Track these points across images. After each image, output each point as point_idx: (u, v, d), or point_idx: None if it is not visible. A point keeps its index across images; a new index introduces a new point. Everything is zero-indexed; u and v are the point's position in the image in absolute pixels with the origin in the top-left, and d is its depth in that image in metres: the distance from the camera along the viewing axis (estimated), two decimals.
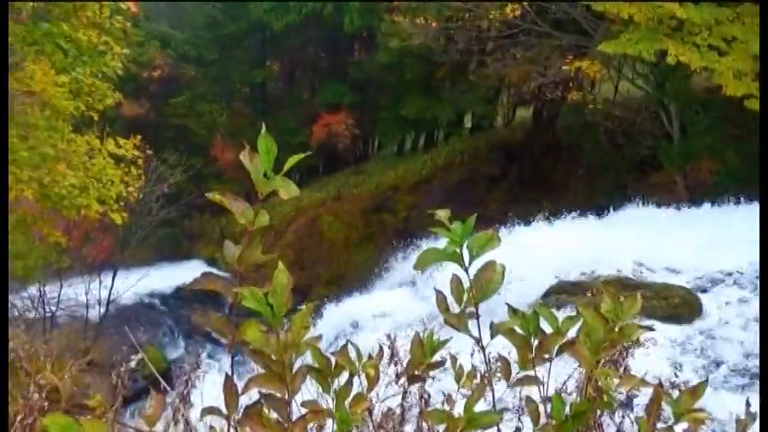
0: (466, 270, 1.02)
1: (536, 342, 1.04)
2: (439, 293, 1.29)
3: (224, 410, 0.98)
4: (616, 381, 1.01)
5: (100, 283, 14.19)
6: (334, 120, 23.14)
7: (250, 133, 26.70)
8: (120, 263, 15.29)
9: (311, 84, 28.84)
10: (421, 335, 1.23)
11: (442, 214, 1.01)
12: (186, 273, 21.27)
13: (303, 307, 1.01)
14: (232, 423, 0.96)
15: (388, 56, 20.81)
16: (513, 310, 1.05)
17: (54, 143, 7.33)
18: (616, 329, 1.03)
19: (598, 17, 13.51)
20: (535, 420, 1.20)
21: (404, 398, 2.09)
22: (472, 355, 2.60)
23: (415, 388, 2.49)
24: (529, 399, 1.26)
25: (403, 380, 2.16)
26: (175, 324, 17.23)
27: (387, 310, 11.06)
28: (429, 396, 2.13)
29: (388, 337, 2.10)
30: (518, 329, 1.04)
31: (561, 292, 7.86)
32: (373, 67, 23.52)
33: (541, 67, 15.10)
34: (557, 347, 1.02)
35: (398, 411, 2.08)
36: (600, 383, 1.42)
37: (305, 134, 22.65)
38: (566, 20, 14.70)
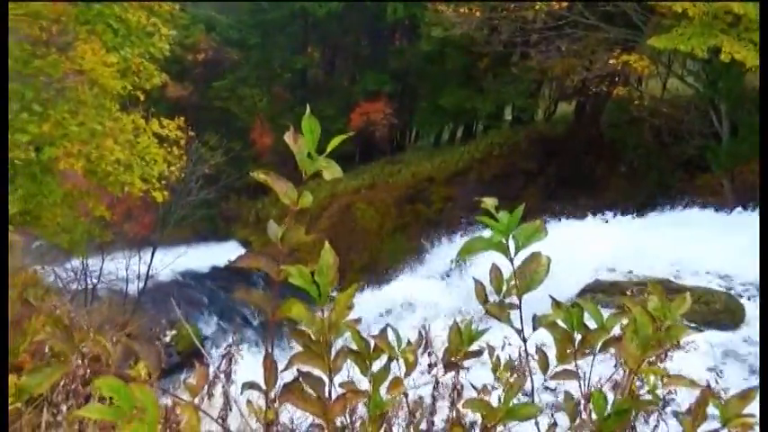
0: (511, 260, 1.00)
1: (579, 337, 1.02)
2: (478, 283, 1.28)
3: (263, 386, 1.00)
4: (661, 380, 0.98)
5: (140, 258, 14.62)
6: (373, 108, 23.12)
7: (289, 118, 26.80)
8: (160, 240, 15.71)
9: (351, 71, 28.86)
10: (459, 324, 1.22)
11: (489, 203, 1.00)
12: (221, 253, 21.73)
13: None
14: (271, 398, 0.97)
15: (430, 45, 20.63)
16: (557, 303, 1.03)
17: (102, 120, 7.53)
18: (663, 329, 1.00)
19: (649, 11, 13.08)
20: (572, 417, 1.18)
21: (435, 387, 2.09)
22: (503, 348, 2.58)
23: (446, 378, 2.49)
24: (567, 394, 1.24)
25: (435, 369, 2.16)
26: (209, 302, 17.63)
27: (418, 299, 11.07)
28: (462, 387, 2.13)
29: (423, 326, 2.10)
30: (560, 323, 1.03)
31: (597, 291, 7.71)
32: (414, 57, 23.36)
33: (587, 61, 14.74)
34: (600, 343, 1.00)
35: (429, 401, 2.09)
36: (642, 383, 1.39)
37: (343, 121, 22.71)
38: (615, 13, 14.28)
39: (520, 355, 2.44)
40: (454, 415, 2.23)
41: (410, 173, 22.15)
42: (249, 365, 2.39)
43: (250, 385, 0.95)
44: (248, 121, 26.60)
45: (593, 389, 1.03)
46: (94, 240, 13.09)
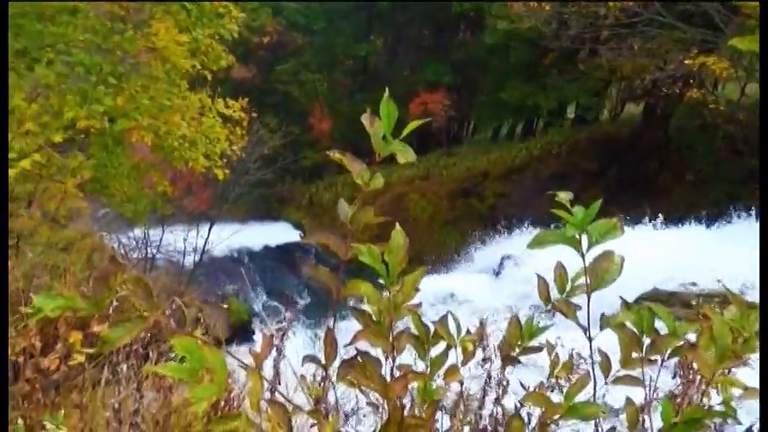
0: (583, 256, 0.98)
1: (648, 341, 0.98)
2: (541, 279, 1.25)
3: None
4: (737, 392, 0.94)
5: (197, 232, 15.13)
6: (432, 99, 22.97)
7: (348, 105, 27.25)
8: (217, 216, 16.22)
9: (412, 61, 28.74)
10: (519, 319, 1.20)
11: (564, 197, 0.97)
12: (274, 233, 22.24)
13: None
14: (329, 373, 0.99)
15: (495, 38, 20.26)
16: (627, 304, 1.00)
17: (171, 97, 7.78)
18: (740, 341, 0.95)
19: (732, 11, 12.37)
20: (632, 423, 1.15)
21: (487, 382, 2.07)
22: (555, 347, 2.52)
23: (495, 373, 2.46)
24: (629, 400, 1.21)
25: (488, 364, 2.14)
26: (259, 280, 18.08)
27: (466, 293, 11.00)
28: (508, 383, 2.10)
29: (480, 318, 2.08)
30: (629, 325, 0.99)
31: (655, 300, 7.42)
32: (477, 49, 23.02)
33: (660, 61, 14.10)
34: (670, 350, 0.96)
35: (480, 394, 2.07)
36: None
37: (401, 111, 22.62)
38: (694, 12, 13.58)
39: (572, 356, 2.38)
40: (499, 410, 2.21)
41: (465, 166, 21.93)
42: (292, 344, 2.45)
43: (311, 359, 0.97)
44: (308, 105, 26.98)
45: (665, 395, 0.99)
46: (156, 212, 13.64)
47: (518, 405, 2.08)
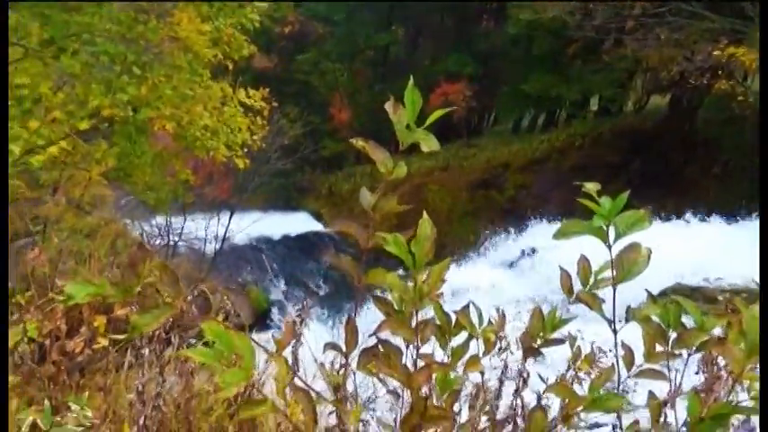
0: (609, 248, 0.96)
1: (674, 335, 0.97)
2: (563, 272, 1.24)
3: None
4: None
5: (218, 221, 15.30)
6: (453, 89, 22.80)
7: (368, 95, 27.19)
8: (237, 205, 16.36)
9: (433, 51, 28.54)
10: (542, 310, 1.19)
11: (591, 187, 0.96)
12: (293, 223, 22.37)
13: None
14: (349, 361, 0.99)
15: (518, 28, 20.01)
16: (653, 297, 0.98)
17: (193, 87, 7.84)
18: None
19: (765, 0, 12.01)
20: (655, 418, 1.13)
21: (503, 372, 2.06)
22: (573, 343, 2.50)
23: (513, 365, 2.45)
24: (650, 394, 1.19)
25: (506, 355, 2.13)
26: (279, 269, 18.23)
27: (485, 286, 10.95)
28: (528, 374, 2.09)
29: (497, 309, 2.07)
30: (655, 318, 0.98)
31: (678, 295, 7.30)
32: (500, 39, 22.77)
33: (688, 52, 13.77)
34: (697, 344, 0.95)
35: (497, 385, 2.07)
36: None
37: (422, 101, 22.52)
38: (723, 1, 13.23)
39: (592, 349, 2.36)
40: (519, 402, 2.20)
41: (485, 158, 21.78)
42: (310, 332, 2.46)
43: (332, 346, 0.97)
44: (328, 95, 26.98)
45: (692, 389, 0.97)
46: (178, 200, 13.81)
47: (539, 396, 2.07)
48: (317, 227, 22.65)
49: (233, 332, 0.73)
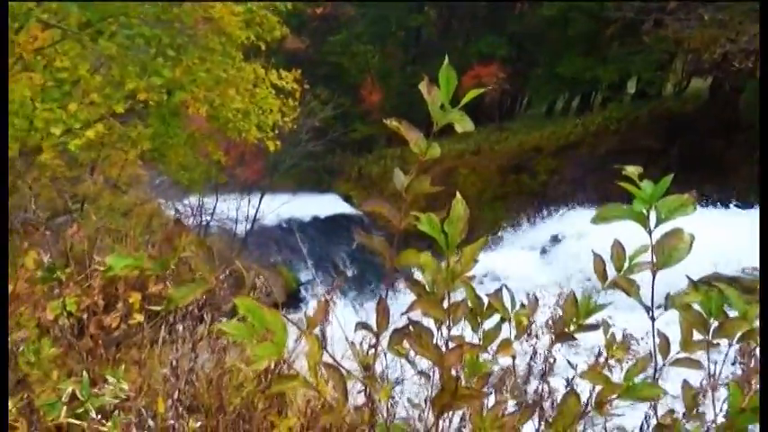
0: (650, 233, 0.93)
1: (715, 324, 0.93)
2: (597, 257, 1.21)
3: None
4: None
5: (249, 202, 15.51)
6: (485, 72, 22.45)
7: (399, 77, 26.99)
8: (268, 187, 16.54)
9: (466, 33, 28.08)
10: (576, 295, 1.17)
11: (632, 171, 0.92)
12: (323, 205, 22.53)
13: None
14: (380, 340, 0.99)
15: (554, 9, 19.53)
16: (694, 284, 0.95)
17: (227, 69, 7.89)
18: None
19: None
20: (690, 407, 1.11)
21: (532, 358, 2.05)
22: (607, 329, 2.46)
23: (541, 350, 2.43)
24: (685, 383, 1.16)
25: (534, 339, 2.11)
26: (308, 250, 18.42)
27: (514, 271, 10.87)
28: (555, 360, 2.07)
29: (528, 294, 2.04)
30: (695, 306, 0.95)
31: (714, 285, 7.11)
32: (534, 21, 22.25)
33: (732, 33, 13.23)
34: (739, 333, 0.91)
35: (525, 370, 2.05)
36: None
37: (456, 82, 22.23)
38: None
39: (625, 336, 2.32)
40: (545, 388, 2.18)
41: (517, 141, 21.46)
42: (337, 312, 2.48)
43: (363, 326, 0.97)
44: (359, 77, 26.88)
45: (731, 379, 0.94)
46: (210, 181, 14.03)
47: (568, 381, 2.05)
48: (347, 209, 22.76)
49: (265, 308, 0.74)
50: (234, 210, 15.25)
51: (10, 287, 2.78)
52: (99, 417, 1.97)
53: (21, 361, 2.11)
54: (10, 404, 1.69)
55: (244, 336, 0.73)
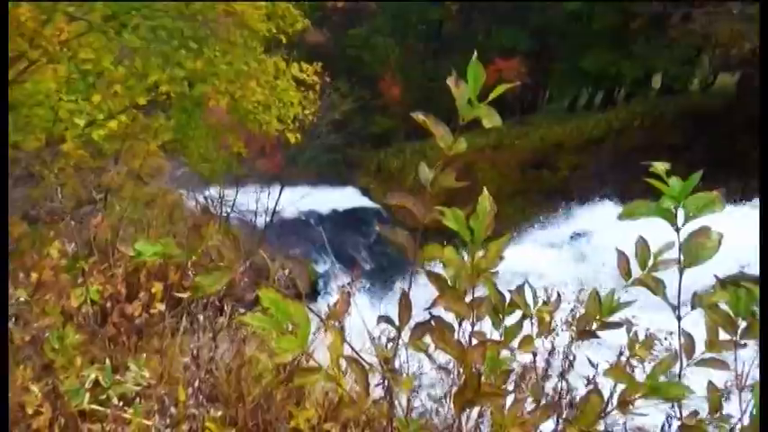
0: (677, 230, 0.91)
1: (743, 324, 0.91)
2: (621, 254, 1.19)
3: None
4: None
5: (268, 194, 15.60)
6: (507, 66, 22.20)
7: (419, 71, 26.86)
8: (287, 179, 16.62)
9: (488, 26, 27.81)
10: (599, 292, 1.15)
11: (660, 167, 0.91)
12: (342, 198, 22.57)
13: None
14: (402, 334, 0.99)
15: (578, 3, 19.23)
16: (722, 283, 0.93)
17: (248, 61, 7.93)
18: None
19: None
20: (714, 407, 1.09)
21: (551, 354, 2.03)
22: (630, 328, 2.43)
23: (560, 348, 2.41)
24: (711, 384, 1.15)
25: (554, 336, 2.09)
26: (327, 243, 18.49)
27: (533, 267, 10.78)
28: (575, 358, 2.05)
29: (545, 290, 2.03)
30: (724, 306, 0.93)
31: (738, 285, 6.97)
32: (558, 14, 21.95)
33: None
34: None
35: (543, 366, 2.04)
36: None
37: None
38: None
39: (647, 335, 2.29)
40: (564, 385, 2.16)
41: (538, 136, 21.23)
42: (355, 307, 2.48)
43: (385, 319, 0.97)
44: (379, 71, 26.81)
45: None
46: (231, 173, 14.15)
47: (588, 380, 2.03)
48: (365, 202, 22.78)
49: (289, 300, 0.74)
50: (253, 202, 15.37)
51: (35, 276, 2.84)
52: (121, 404, 2.00)
53: (46, 348, 2.16)
54: (36, 389, 1.73)
55: (267, 327, 0.73)
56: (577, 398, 1.98)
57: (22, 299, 2.20)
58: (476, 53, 0.97)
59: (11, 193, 3.89)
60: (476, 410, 1.92)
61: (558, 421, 1.35)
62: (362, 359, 0.83)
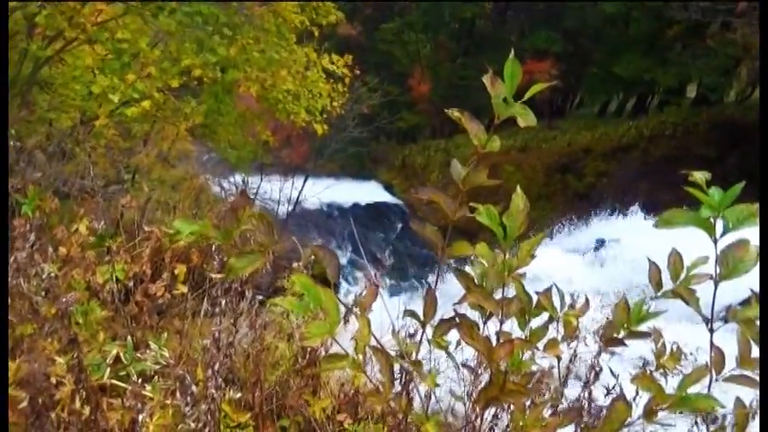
0: (715, 242, 0.89)
1: None
2: (652, 264, 1.18)
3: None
4: None
5: (292, 184, 15.70)
6: (538, 68, 21.93)
7: (449, 69, 26.70)
8: (312, 170, 16.70)
9: (521, 27, 27.51)
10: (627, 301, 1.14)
11: (699, 177, 0.89)
12: (365, 192, 22.61)
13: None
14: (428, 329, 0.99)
15: (616, 6, 18.90)
16: (757, 297, 0.91)
17: (279, 50, 7.96)
18: None
19: None
20: (741, 425, 1.06)
21: (572, 360, 2.01)
22: (658, 338, 2.39)
23: (582, 355, 2.38)
24: (738, 400, 1.12)
25: (576, 342, 2.07)
26: (347, 236, 18.54)
27: (556, 272, 10.67)
28: (600, 368, 2.02)
29: (571, 296, 2.00)
30: (758, 321, 0.90)
31: None
32: (594, 17, 21.60)
33: None
34: None
35: (564, 373, 2.02)
36: None
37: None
38: None
39: (673, 348, 2.25)
40: (587, 395, 2.14)
41: (566, 141, 20.97)
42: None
43: (411, 314, 0.97)
44: (408, 67, 26.73)
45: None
46: (257, 161, 14.27)
47: (607, 389, 2.00)
48: (387, 197, 22.78)
49: (320, 287, 0.74)
50: (277, 191, 15.48)
51: (64, 250, 2.90)
52: (140, 380, 2.04)
53: (72, 321, 2.21)
54: (62, 360, 1.77)
55: (299, 311, 0.74)
56: (598, 406, 1.96)
57: (52, 273, 2.25)
58: (512, 52, 0.96)
59: (46, 169, 3.97)
60: (490, 412, 1.92)
61: (577, 428, 1.34)
62: (386, 350, 0.84)
